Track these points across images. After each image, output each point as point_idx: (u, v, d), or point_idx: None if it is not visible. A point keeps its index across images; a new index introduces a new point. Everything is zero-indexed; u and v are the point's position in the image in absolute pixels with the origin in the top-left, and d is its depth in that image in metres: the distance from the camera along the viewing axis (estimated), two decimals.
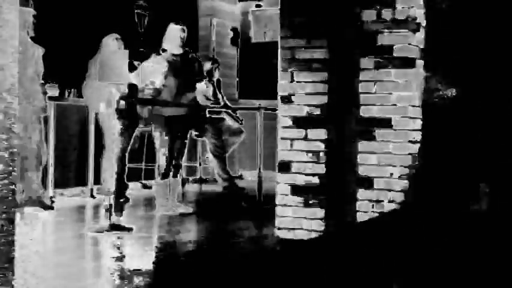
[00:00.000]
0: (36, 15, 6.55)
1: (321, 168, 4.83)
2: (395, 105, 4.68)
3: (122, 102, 5.98)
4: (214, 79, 8.57)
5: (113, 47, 6.67)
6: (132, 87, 6.60)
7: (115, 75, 5.62)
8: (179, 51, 6.64)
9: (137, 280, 3.90)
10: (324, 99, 4.85)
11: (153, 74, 6.53)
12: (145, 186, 8.59)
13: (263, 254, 4.77)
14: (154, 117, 6.57)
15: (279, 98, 5.00)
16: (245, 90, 10.96)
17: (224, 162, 8.16)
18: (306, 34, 4.89)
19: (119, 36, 6.84)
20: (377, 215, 4.61)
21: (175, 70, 6.57)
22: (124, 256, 4.76)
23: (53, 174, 7.19)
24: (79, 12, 8.20)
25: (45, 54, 7.03)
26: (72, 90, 7.79)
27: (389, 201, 4.66)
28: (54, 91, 7.41)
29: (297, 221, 4.88)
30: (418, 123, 4.75)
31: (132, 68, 6.66)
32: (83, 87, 7.09)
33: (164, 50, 6.63)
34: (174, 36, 6.61)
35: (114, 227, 5.40)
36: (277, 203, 4.97)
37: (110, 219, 5.49)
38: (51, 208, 6.43)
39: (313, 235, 4.75)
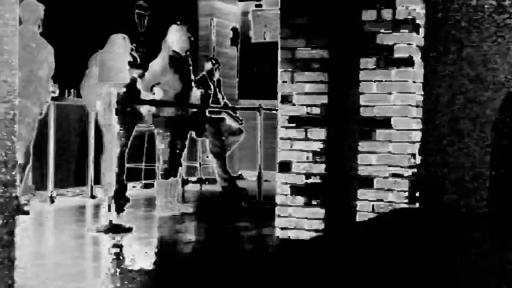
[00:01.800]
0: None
1: (321, 168, 4.83)
2: (395, 105, 4.68)
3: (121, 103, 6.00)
4: (215, 79, 8.58)
5: (119, 46, 6.67)
6: (131, 87, 6.62)
7: (115, 75, 5.62)
8: (183, 52, 6.60)
9: (137, 280, 3.90)
10: (324, 99, 4.85)
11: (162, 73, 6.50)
12: (145, 186, 8.59)
13: (263, 254, 4.77)
14: (156, 118, 6.57)
15: (279, 98, 5.00)
16: (245, 90, 10.96)
17: (224, 162, 8.17)
18: (306, 34, 4.89)
19: (126, 36, 6.86)
20: (377, 215, 4.61)
21: (180, 69, 6.55)
22: (124, 256, 4.76)
23: (53, 174, 7.20)
24: (79, 12, 8.21)
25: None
26: (72, 90, 7.79)
27: (390, 201, 4.65)
28: (54, 91, 7.40)
29: (297, 221, 4.88)
30: (418, 123, 4.75)
31: (134, 64, 6.66)
32: (81, 86, 7.10)
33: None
34: (181, 39, 6.54)
35: (114, 227, 5.40)
36: (277, 203, 4.97)
37: (109, 219, 5.49)
38: (26, 213, 6.16)
39: (313, 235, 4.75)
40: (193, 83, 6.90)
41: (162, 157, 6.55)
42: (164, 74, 6.46)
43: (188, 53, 6.73)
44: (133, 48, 7.04)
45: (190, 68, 6.76)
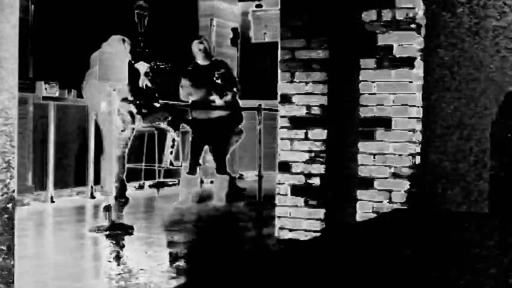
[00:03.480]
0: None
1: (321, 169, 4.83)
2: (395, 105, 4.68)
3: (123, 104, 6.00)
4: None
5: (117, 46, 6.68)
6: (134, 89, 6.64)
7: (114, 75, 5.62)
8: (205, 62, 7.27)
9: (136, 280, 3.90)
10: (323, 99, 4.86)
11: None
12: (141, 187, 8.58)
13: (263, 254, 4.77)
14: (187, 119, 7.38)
15: (278, 98, 5.00)
16: (245, 90, 10.96)
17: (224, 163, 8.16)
18: (306, 34, 4.90)
19: (126, 38, 6.91)
20: (377, 215, 4.61)
21: (195, 82, 7.20)
22: (124, 256, 4.76)
23: (53, 174, 7.20)
24: (79, 13, 8.21)
25: (46, 54, 7.02)
26: (73, 90, 7.79)
27: (389, 201, 4.66)
28: (54, 91, 7.41)
29: (297, 221, 4.88)
30: (418, 123, 4.75)
31: (134, 72, 6.69)
32: (82, 86, 7.09)
33: (195, 63, 7.35)
34: (194, 51, 7.32)
35: (114, 227, 5.41)
36: (277, 203, 4.97)
37: (109, 219, 5.49)
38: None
39: (313, 235, 4.75)
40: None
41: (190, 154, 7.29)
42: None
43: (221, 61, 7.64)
44: (149, 72, 7.36)
45: (214, 73, 7.30)
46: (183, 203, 7.08)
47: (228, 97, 7.40)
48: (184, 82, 7.30)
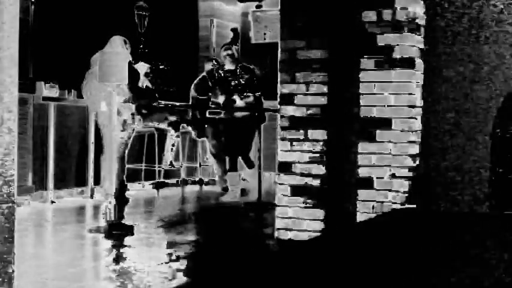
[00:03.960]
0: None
1: (321, 169, 4.83)
2: (395, 105, 4.68)
3: (124, 104, 6.01)
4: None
5: (118, 47, 6.69)
6: (134, 89, 6.65)
7: (115, 76, 5.62)
8: (231, 66, 7.79)
9: (136, 280, 3.90)
10: (324, 100, 4.85)
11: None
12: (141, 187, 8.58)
13: (263, 254, 4.77)
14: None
15: (278, 98, 5.00)
16: None
17: (224, 163, 8.17)
18: (306, 35, 4.89)
19: (127, 40, 6.92)
20: (377, 215, 4.61)
21: (220, 84, 7.73)
22: (123, 256, 4.76)
23: (53, 174, 7.20)
24: (79, 13, 8.21)
25: (46, 54, 7.01)
26: (72, 91, 7.78)
27: (389, 201, 4.66)
28: (54, 91, 7.41)
29: (297, 221, 4.88)
30: (418, 124, 4.75)
31: (134, 72, 6.70)
32: (82, 86, 7.09)
33: (219, 65, 7.93)
34: (222, 56, 7.92)
35: (114, 227, 5.40)
36: (277, 203, 4.97)
37: (109, 219, 5.49)
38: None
39: (313, 235, 4.75)
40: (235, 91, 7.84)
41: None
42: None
43: (248, 65, 8.00)
44: (149, 73, 7.58)
45: (239, 77, 7.77)
46: (231, 197, 7.57)
47: (250, 99, 7.77)
48: (210, 84, 7.82)
